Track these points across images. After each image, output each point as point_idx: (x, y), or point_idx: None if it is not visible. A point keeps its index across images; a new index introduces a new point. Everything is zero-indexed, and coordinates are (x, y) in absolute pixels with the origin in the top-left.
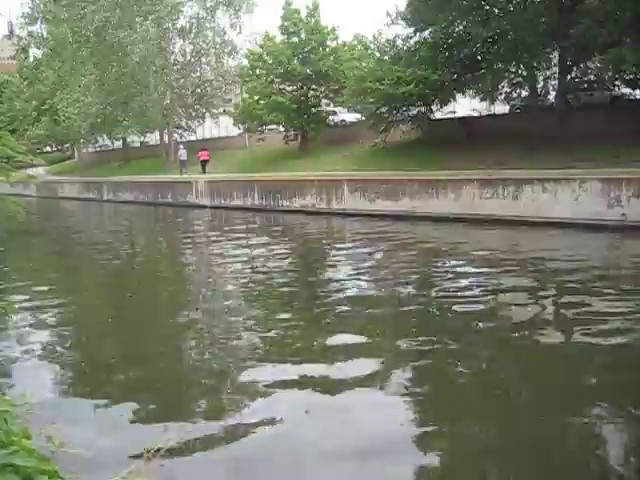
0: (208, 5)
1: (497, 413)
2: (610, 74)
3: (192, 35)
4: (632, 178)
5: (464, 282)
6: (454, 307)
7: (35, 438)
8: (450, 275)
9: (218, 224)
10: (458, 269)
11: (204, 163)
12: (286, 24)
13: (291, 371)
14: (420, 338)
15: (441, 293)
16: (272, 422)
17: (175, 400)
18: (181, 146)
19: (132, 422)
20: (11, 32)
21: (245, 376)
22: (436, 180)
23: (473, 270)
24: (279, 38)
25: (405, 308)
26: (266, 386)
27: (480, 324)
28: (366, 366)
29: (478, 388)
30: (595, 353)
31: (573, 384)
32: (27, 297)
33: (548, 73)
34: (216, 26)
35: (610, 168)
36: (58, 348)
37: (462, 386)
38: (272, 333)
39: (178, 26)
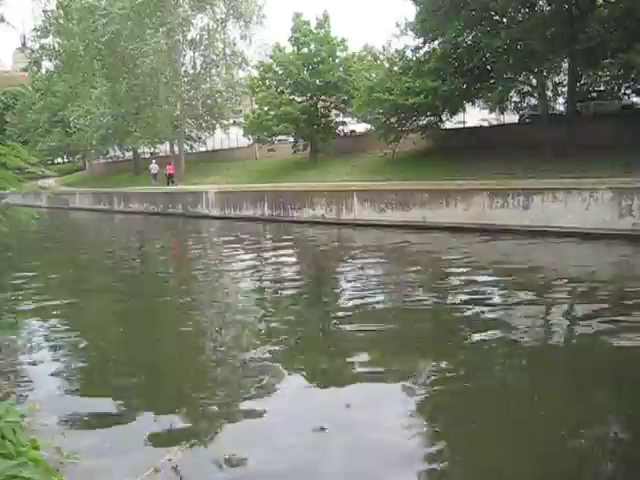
0: (218, 17)
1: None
2: (620, 82)
3: (202, 47)
4: None
5: (474, 293)
6: (465, 317)
7: (45, 449)
8: (460, 286)
9: (228, 234)
10: (468, 279)
11: (170, 177)
12: (296, 35)
13: (299, 386)
14: (432, 351)
15: (452, 304)
16: (278, 438)
17: (186, 413)
18: (153, 161)
19: (143, 433)
20: (24, 45)
21: (253, 389)
22: (446, 190)
23: (483, 280)
24: (289, 49)
25: (416, 320)
26: (272, 403)
27: (490, 336)
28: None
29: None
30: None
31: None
32: (41, 311)
33: (557, 81)
34: (226, 38)
35: (621, 177)
36: (69, 360)
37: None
38: (278, 348)
39: (189, 38)
